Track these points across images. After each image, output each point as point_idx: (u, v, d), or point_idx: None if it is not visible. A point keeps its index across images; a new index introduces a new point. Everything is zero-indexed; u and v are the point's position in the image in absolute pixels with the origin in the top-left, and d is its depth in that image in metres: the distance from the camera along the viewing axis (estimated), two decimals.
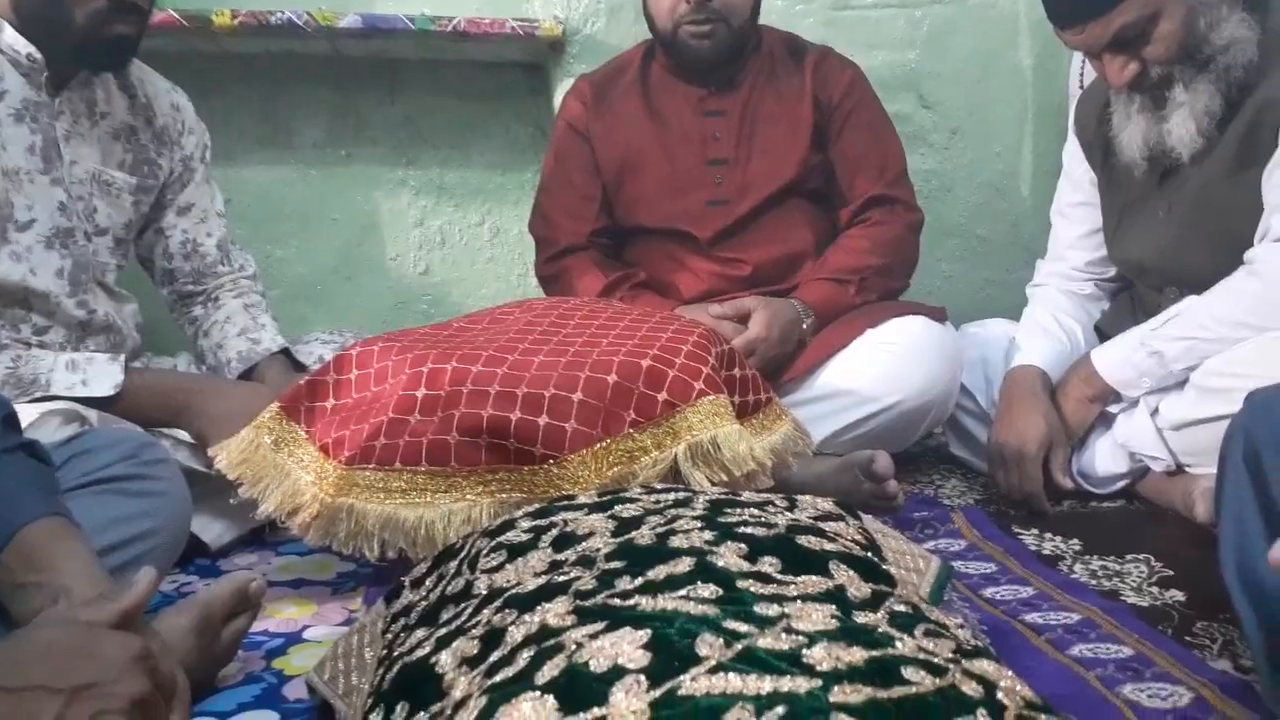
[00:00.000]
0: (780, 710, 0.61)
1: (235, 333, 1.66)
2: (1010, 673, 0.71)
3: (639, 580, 0.80)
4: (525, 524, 0.97)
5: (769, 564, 0.82)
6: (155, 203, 1.65)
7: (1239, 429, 0.99)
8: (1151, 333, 1.54)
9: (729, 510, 0.94)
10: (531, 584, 0.84)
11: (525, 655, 0.72)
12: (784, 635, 0.71)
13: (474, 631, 0.79)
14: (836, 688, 0.63)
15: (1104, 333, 1.72)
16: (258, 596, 1.08)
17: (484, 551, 0.94)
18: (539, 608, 0.78)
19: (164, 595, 1.29)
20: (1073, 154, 1.81)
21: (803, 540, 0.88)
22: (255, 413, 1.35)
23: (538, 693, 0.66)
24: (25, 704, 0.70)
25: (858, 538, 0.97)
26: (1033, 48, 2.44)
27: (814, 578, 0.81)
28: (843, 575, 0.83)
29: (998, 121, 2.47)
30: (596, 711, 0.63)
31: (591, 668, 0.68)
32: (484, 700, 0.67)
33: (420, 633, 0.86)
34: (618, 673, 0.66)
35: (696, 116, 1.92)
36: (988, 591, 1.27)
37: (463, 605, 0.86)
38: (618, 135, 1.94)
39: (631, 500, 0.99)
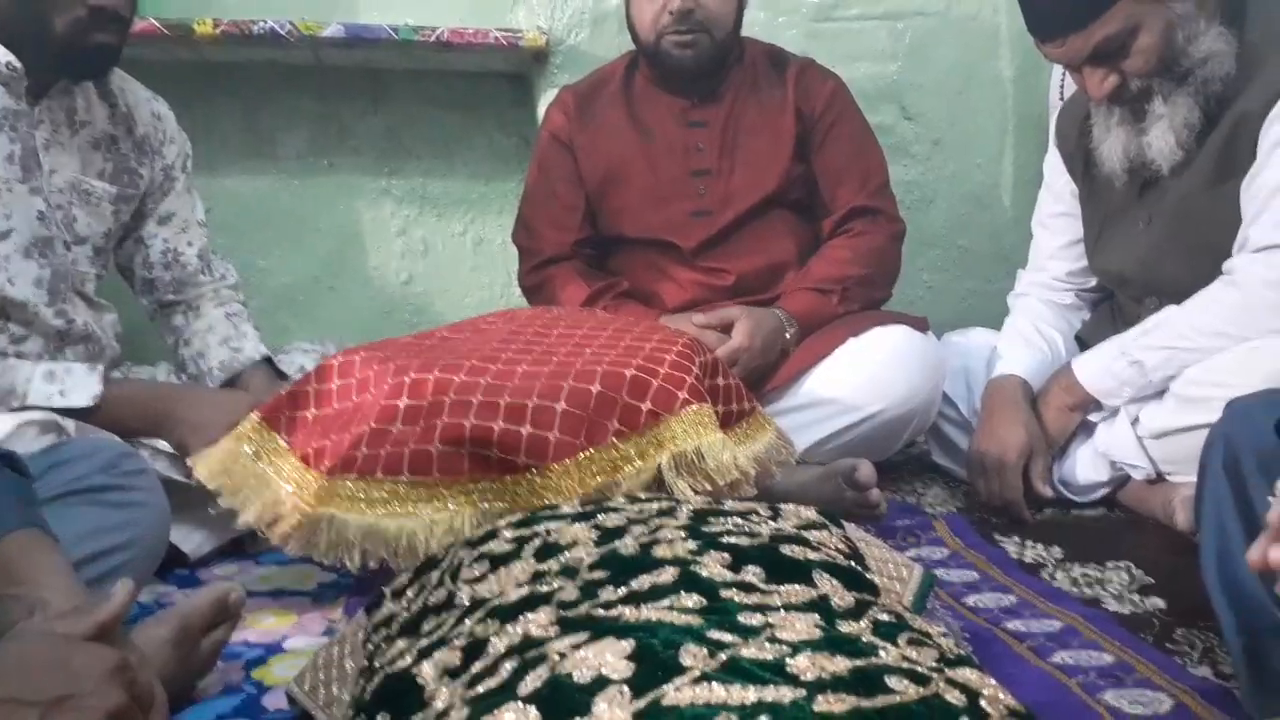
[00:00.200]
0: None
1: (217, 342, 1.65)
2: (993, 681, 0.71)
3: (622, 590, 0.79)
4: (508, 534, 0.97)
5: (753, 573, 0.82)
6: (135, 212, 1.64)
7: (1219, 437, 1.00)
8: (1132, 342, 1.55)
9: (712, 519, 0.94)
10: (514, 594, 0.83)
11: (508, 666, 0.72)
12: (768, 645, 0.71)
13: (456, 642, 0.79)
14: (820, 697, 0.63)
15: (1085, 342, 1.73)
16: (237, 607, 1.07)
17: (466, 562, 0.94)
18: (522, 618, 0.78)
19: (142, 606, 1.28)
20: (1053, 165, 1.82)
21: (786, 549, 0.88)
22: (235, 422, 1.34)
23: (520, 704, 0.65)
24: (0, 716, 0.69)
25: (841, 546, 0.97)
26: (1013, 60, 2.46)
27: (798, 587, 0.81)
28: (826, 584, 0.83)
29: (979, 133, 2.49)
30: None
31: (575, 678, 0.67)
32: (466, 711, 0.67)
33: (402, 643, 0.86)
34: (601, 683, 0.66)
35: (680, 127, 1.93)
36: (970, 599, 1.27)
37: (445, 616, 0.86)
38: (601, 146, 1.94)
39: (615, 510, 0.99)
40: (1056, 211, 1.82)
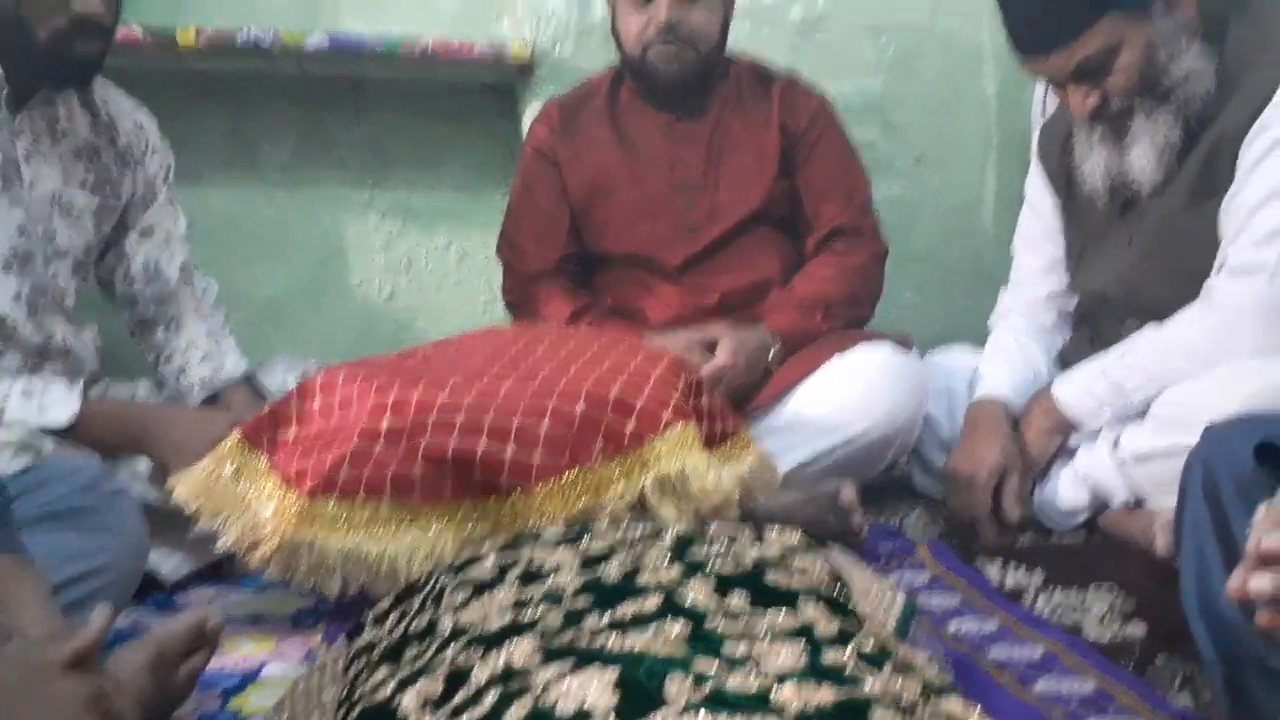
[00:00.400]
0: None
1: (198, 358, 1.63)
2: (978, 709, 0.71)
3: (607, 618, 0.79)
4: (491, 559, 0.96)
5: (738, 601, 0.82)
6: (117, 224, 1.63)
7: (1197, 461, 1.00)
8: (1112, 363, 1.56)
9: (697, 544, 0.94)
10: (497, 621, 0.83)
11: (491, 696, 0.71)
12: (753, 675, 0.71)
13: (438, 671, 0.78)
14: None
15: (1066, 363, 1.73)
16: (215, 633, 1.06)
17: (449, 588, 0.93)
18: (505, 646, 0.77)
19: (117, 632, 1.26)
20: (1036, 183, 1.83)
21: (771, 576, 0.88)
22: (216, 441, 1.33)
23: None
24: None
25: (825, 572, 0.97)
26: (997, 76, 2.47)
27: (783, 614, 0.81)
28: (811, 612, 0.82)
29: (962, 149, 2.50)
30: None
31: (558, 709, 0.67)
32: None
33: (383, 672, 0.85)
34: (585, 715, 0.66)
35: (665, 141, 1.93)
36: (952, 625, 1.27)
37: (426, 643, 0.85)
38: (586, 160, 1.94)
39: (599, 535, 0.98)
40: (1038, 231, 1.83)
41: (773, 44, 2.33)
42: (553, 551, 0.95)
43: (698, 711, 0.65)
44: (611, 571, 0.89)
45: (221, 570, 1.48)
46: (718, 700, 0.67)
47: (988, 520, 1.59)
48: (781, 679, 0.70)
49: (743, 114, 1.94)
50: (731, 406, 1.49)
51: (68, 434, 1.36)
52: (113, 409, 1.45)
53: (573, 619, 0.81)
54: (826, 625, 0.81)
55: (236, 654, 1.22)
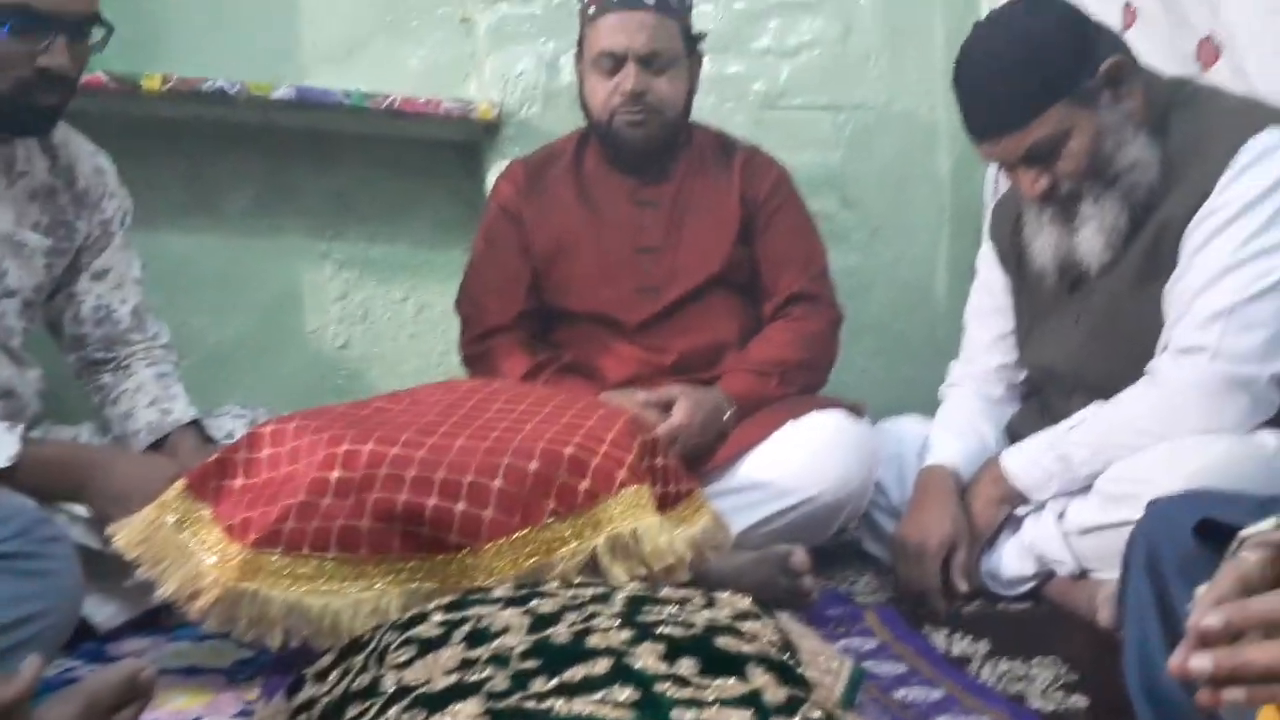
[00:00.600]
0: None
1: (145, 402, 1.60)
2: None
3: (554, 681, 0.78)
4: (437, 617, 0.95)
5: (687, 666, 0.81)
6: (69, 266, 1.60)
7: (1141, 537, 1.01)
8: (1059, 437, 1.59)
9: (648, 608, 0.93)
10: (442, 682, 0.81)
11: None
12: None
13: None
14: None
15: (1015, 435, 1.76)
16: (148, 685, 1.02)
17: (393, 645, 0.91)
18: (449, 708, 0.76)
19: (46, 681, 1.21)
20: (987, 259, 1.87)
21: (721, 641, 0.87)
22: (159, 489, 1.30)
23: None
24: None
25: (774, 638, 0.96)
26: (951, 155, 2.54)
27: (731, 681, 0.81)
28: (760, 679, 0.82)
29: (916, 223, 2.56)
30: None
31: None
32: None
33: None
34: None
35: (628, 205, 1.95)
36: (899, 693, 1.27)
37: (369, 703, 0.83)
38: (550, 219, 1.96)
39: (548, 595, 0.97)
40: (989, 305, 1.87)
41: (735, 116, 2.38)
42: (501, 611, 0.94)
43: None
44: (560, 633, 0.88)
45: (158, 619, 1.45)
46: None
47: (936, 591, 1.60)
48: None
49: (705, 181, 1.97)
50: (686, 467, 1.49)
51: (6, 476, 1.32)
52: (54, 454, 1.41)
53: (520, 681, 0.80)
54: (775, 693, 0.80)
55: (170, 707, 1.18)
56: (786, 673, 0.86)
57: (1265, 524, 0.64)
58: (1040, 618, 1.59)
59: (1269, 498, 0.94)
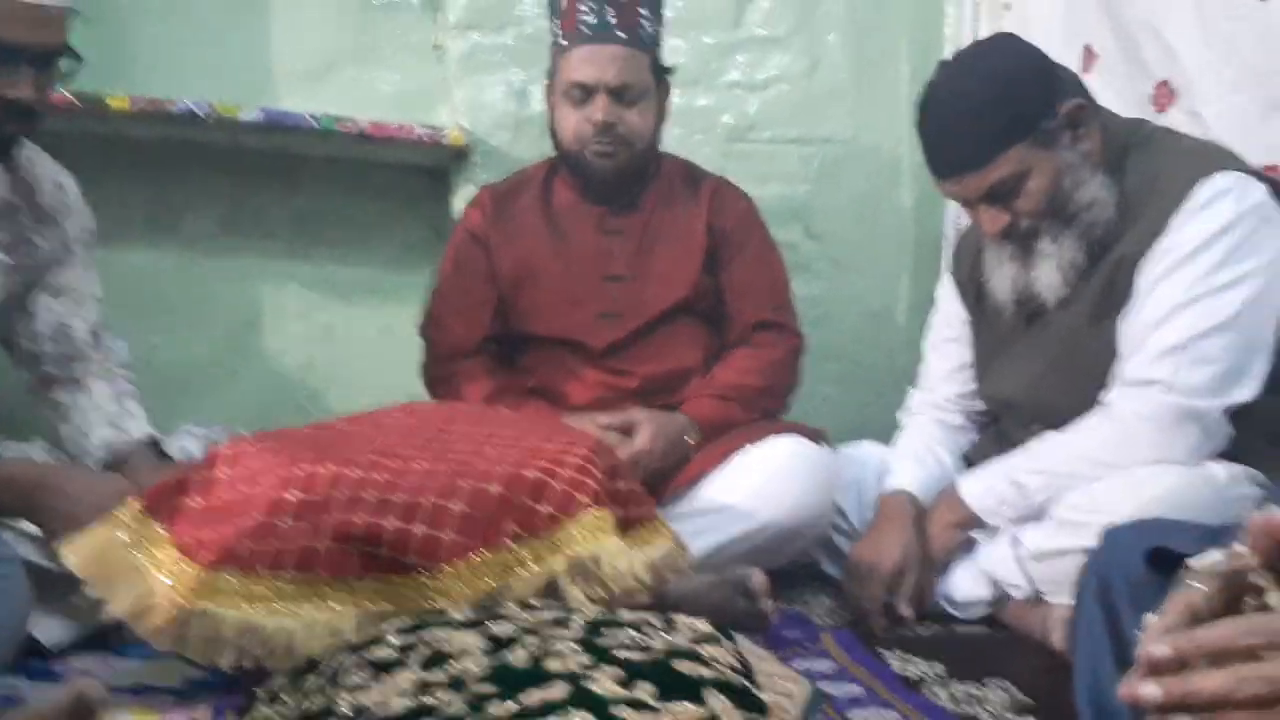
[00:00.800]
0: None
1: (101, 420, 1.58)
2: None
3: (512, 705, 0.78)
4: (394, 640, 0.94)
5: (645, 690, 0.81)
6: (27, 282, 1.58)
7: (1094, 564, 1.03)
8: (1015, 465, 1.61)
9: (606, 631, 0.93)
10: (397, 705, 0.81)
11: None
12: None
13: None
14: None
15: (972, 463, 1.79)
16: (96, 706, 1.00)
17: (348, 668, 0.90)
18: None
19: None
20: (947, 292, 1.90)
21: (679, 665, 0.88)
22: (112, 507, 1.28)
23: None
24: None
25: (733, 661, 0.96)
26: (914, 189, 2.58)
27: (689, 705, 0.81)
28: (717, 703, 0.82)
29: (879, 255, 2.59)
30: None
31: None
32: None
33: None
34: None
35: (596, 234, 1.96)
36: (854, 715, 1.27)
37: None
38: (517, 245, 1.97)
39: (506, 618, 0.97)
40: (948, 336, 1.90)
41: (704, 148, 2.41)
42: (458, 634, 0.93)
43: None
44: (518, 657, 0.87)
45: (107, 638, 1.42)
46: None
47: (879, 612, 1.61)
48: None
49: (672, 211, 1.99)
50: (647, 491, 1.50)
51: None
52: (4, 468, 1.39)
53: (477, 705, 0.79)
54: (732, 717, 0.81)
55: None
56: (744, 697, 0.86)
57: (1213, 555, 0.66)
58: (994, 641, 1.61)
59: (1219, 527, 0.96)
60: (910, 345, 2.44)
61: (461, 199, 2.24)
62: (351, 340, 2.42)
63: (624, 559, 1.22)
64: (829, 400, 2.52)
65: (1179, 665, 0.59)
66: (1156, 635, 0.67)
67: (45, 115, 1.47)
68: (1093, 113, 1.58)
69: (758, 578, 1.52)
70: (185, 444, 1.62)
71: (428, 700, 0.81)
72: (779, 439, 1.82)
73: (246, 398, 2.32)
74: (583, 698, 0.79)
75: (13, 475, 1.39)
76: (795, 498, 1.75)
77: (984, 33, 2.41)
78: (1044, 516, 1.56)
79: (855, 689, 1.37)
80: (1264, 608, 0.61)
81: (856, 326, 2.58)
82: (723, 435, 1.84)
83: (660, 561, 1.32)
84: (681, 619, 1.04)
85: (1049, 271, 1.60)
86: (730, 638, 1.05)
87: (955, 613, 1.67)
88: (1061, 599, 1.47)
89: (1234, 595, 0.63)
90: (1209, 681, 0.56)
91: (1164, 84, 1.89)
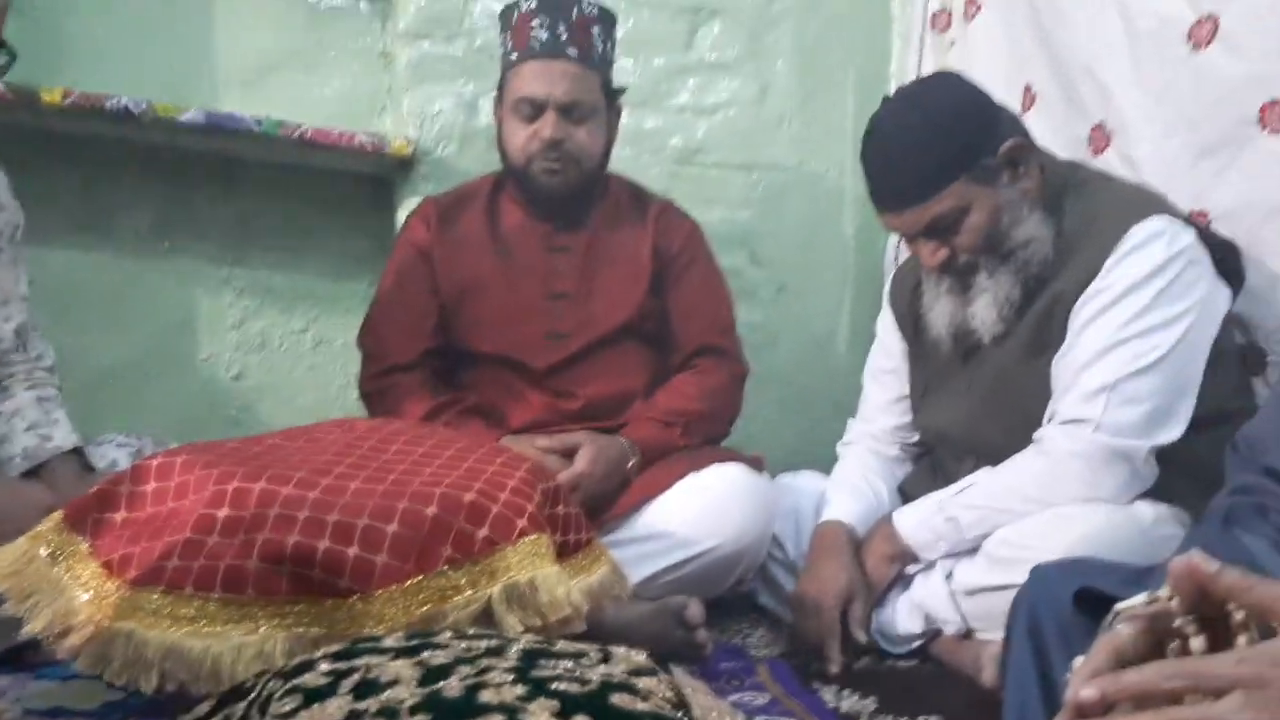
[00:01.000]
0: None
1: (23, 427, 1.53)
2: None
3: None
4: (324, 666, 0.91)
5: None
6: None
7: (1023, 602, 1.04)
8: (949, 499, 1.63)
9: (542, 662, 0.92)
10: None
11: None
12: None
13: None
14: None
15: (907, 495, 1.81)
16: None
17: (277, 694, 0.88)
18: None
19: None
20: (886, 324, 1.93)
21: (615, 698, 0.87)
22: (33, 519, 1.24)
23: None
24: None
25: (669, 694, 0.96)
26: (855, 219, 2.62)
27: None
28: None
29: (821, 282, 2.63)
30: None
31: None
32: None
33: None
34: None
35: (541, 251, 1.95)
36: None
37: None
38: (461, 260, 1.95)
39: (441, 646, 0.95)
40: (886, 367, 1.92)
41: (651, 170, 2.42)
42: (391, 662, 0.92)
43: None
44: (452, 687, 0.86)
45: (23, 657, 1.37)
46: None
47: (835, 643, 1.62)
48: None
49: (619, 231, 1.99)
50: (586, 516, 1.49)
51: None
52: None
53: None
54: None
55: None
56: None
57: (1138, 599, 0.67)
58: (927, 675, 1.63)
59: (1145, 568, 0.98)
60: (850, 373, 2.47)
61: (406, 209, 2.22)
62: (286, 350, 2.38)
63: (561, 585, 1.21)
64: (770, 425, 2.54)
65: (1105, 708, 0.61)
66: (1083, 678, 0.68)
67: None
68: (1032, 152, 1.62)
69: (694, 608, 1.52)
70: (112, 454, 1.57)
71: None
72: (720, 466, 1.82)
73: (176, 407, 2.26)
74: None
75: None
76: (736, 526, 1.75)
77: (929, 68, 2.46)
78: (977, 551, 1.58)
79: None
80: (1186, 651, 0.62)
81: (798, 352, 2.61)
82: (664, 460, 1.84)
83: (598, 588, 1.31)
84: (618, 650, 1.03)
85: (985, 307, 1.63)
86: (667, 670, 1.04)
87: (889, 647, 1.68)
88: (992, 635, 1.49)
89: (1158, 638, 0.65)
90: None
91: (1100, 126, 1.94)
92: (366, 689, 0.86)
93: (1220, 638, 0.61)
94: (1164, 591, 0.64)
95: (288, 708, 0.85)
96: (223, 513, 1.18)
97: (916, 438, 1.90)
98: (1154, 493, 1.54)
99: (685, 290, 1.99)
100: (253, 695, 0.91)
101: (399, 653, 0.94)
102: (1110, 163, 1.88)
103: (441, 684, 0.86)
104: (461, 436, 1.50)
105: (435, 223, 1.98)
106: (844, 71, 2.62)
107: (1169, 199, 1.63)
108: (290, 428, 1.51)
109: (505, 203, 2.00)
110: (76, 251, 2.21)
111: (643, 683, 0.94)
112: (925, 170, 1.56)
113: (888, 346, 1.92)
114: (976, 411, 1.69)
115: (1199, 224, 1.62)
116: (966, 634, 1.61)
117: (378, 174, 2.36)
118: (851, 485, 1.82)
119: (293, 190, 2.35)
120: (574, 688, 0.87)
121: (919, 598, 1.64)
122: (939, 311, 1.69)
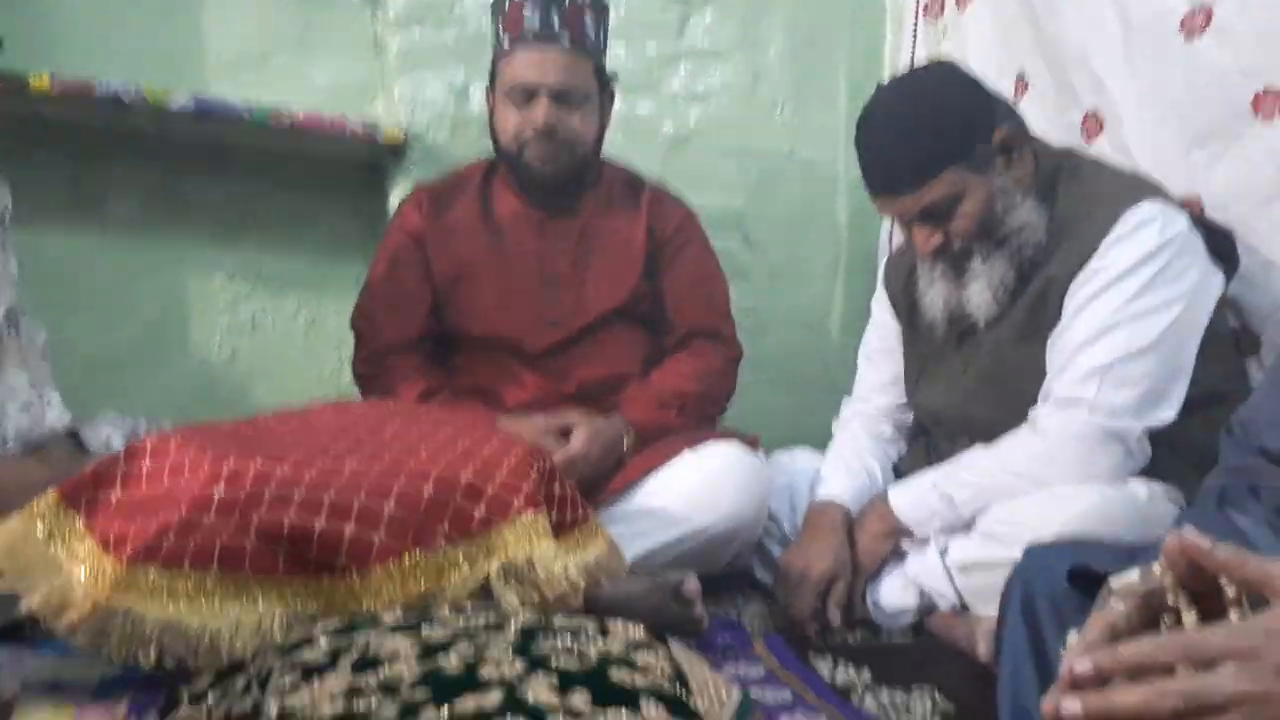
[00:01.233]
0: None
1: (16, 408, 1.52)
2: None
3: (445, 712, 0.77)
4: (324, 642, 0.92)
5: (580, 698, 0.81)
6: None
7: (1018, 580, 1.05)
8: (944, 477, 1.64)
9: (541, 637, 0.93)
10: (327, 709, 0.79)
11: None
12: None
13: None
14: None
15: (902, 474, 1.82)
16: (8, 701, 0.97)
17: (276, 670, 0.88)
18: None
19: None
20: (880, 306, 1.94)
21: (614, 673, 0.88)
22: (28, 496, 1.23)
23: None
24: None
25: (667, 668, 0.97)
26: (849, 204, 2.63)
27: (624, 714, 0.81)
28: (651, 711, 0.82)
29: (814, 266, 2.63)
30: None
31: None
32: None
33: None
34: None
35: (534, 237, 1.95)
36: None
37: None
38: (454, 246, 1.94)
39: (440, 622, 0.96)
40: (881, 348, 1.93)
41: (644, 156, 2.41)
42: (390, 638, 0.92)
43: None
44: (451, 663, 0.86)
45: (20, 631, 1.36)
46: None
47: (810, 619, 1.63)
48: None
49: (612, 216, 1.99)
50: (582, 494, 1.49)
51: None
52: None
53: (409, 711, 0.78)
54: None
55: None
56: (678, 705, 0.86)
57: (1131, 574, 0.68)
58: (921, 649, 1.64)
59: (1139, 546, 0.99)
60: (843, 354, 2.48)
61: (397, 196, 2.21)
62: (278, 333, 2.37)
63: (558, 562, 1.22)
64: (763, 407, 2.53)
65: (1100, 681, 0.61)
66: (1079, 652, 0.69)
67: None
68: (1025, 139, 1.63)
69: (691, 583, 1.53)
70: (106, 434, 1.57)
71: (358, 705, 0.79)
72: (716, 445, 1.82)
73: (168, 390, 2.25)
74: (517, 706, 0.79)
75: None
76: (731, 503, 1.75)
77: (922, 56, 2.46)
78: (971, 528, 1.59)
79: (784, 695, 1.38)
80: (1180, 626, 0.63)
81: (791, 335, 2.61)
82: (659, 440, 1.84)
83: (595, 565, 1.32)
84: (616, 624, 1.04)
85: (980, 291, 1.64)
86: (664, 643, 1.05)
87: (883, 621, 1.69)
88: (986, 610, 1.50)
89: (1152, 613, 0.65)
90: (1128, 696, 0.58)
91: (1092, 114, 1.94)
92: (366, 665, 0.87)
93: (1213, 613, 0.62)
94: (1157, 567, 0.65)
95: (288, 683, 0.86)
96: (218, 492, 1.18)
97: (910, 418, 1.92)
98: (1148, 471, 1.55)
99: (679, 273, 2.00)
100: (253, 670, 0.92)
101: (398, 629, 0.95)
102: (1103, 150, 1.88)
103: (441, 659, 0.87)
104: (457, 417, 1.50)
105: (428, 209, 1.97)
106: (836, 59, 2.62)
107: (1162, 185, 1.63)
108: (284, 410, 1.51)
109: (498, 188, 1.99)
110: (67, 237, 2.20)
111: (641, 657, 0.95)
112: (919, 158, 1.57)
113: (882, 327, 1.92)
114: (971, 393, 1.70)
115: (1192, 210, 1.63)
116: (961, 609, 1.62)
117: (368, 160, 2.35)
118: (845, 464, 1.83)
119: (284, 175, 2.34)
120: (573, 663, 0.88)
121: (914, 572, 1.66)
122: (934, 296, 1.69)
